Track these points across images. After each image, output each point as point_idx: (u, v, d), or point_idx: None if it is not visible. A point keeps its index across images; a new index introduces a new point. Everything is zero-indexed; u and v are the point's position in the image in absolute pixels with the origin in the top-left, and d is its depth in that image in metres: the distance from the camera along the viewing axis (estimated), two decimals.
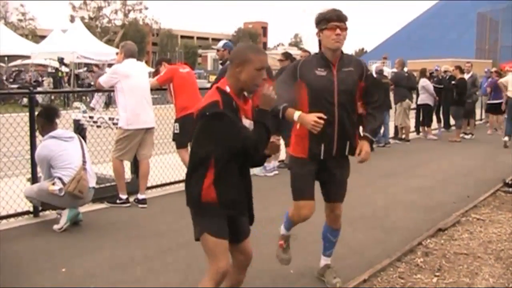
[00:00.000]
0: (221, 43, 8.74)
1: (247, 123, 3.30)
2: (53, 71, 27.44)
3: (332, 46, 4.04)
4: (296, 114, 4.00)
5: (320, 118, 3.89)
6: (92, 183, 6.11)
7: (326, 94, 4.04)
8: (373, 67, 15.06)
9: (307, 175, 4.21)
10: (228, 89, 3.24)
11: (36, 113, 6.19)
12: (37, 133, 6.20)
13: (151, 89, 7.30)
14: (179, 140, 7.61)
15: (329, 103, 4.04)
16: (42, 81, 26.81)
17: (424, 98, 14.41)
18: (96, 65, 24.66)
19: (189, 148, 7.61)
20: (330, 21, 4.02)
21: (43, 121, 6.10)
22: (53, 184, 5.81)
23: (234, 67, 3.27)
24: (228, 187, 3.24)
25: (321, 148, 4.11)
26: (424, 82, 14.43)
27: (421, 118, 14.99)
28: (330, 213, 4.41)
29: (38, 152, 5.97)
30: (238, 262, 3.56)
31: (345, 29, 4.06)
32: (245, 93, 3.37)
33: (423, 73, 14.70)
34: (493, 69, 18.52)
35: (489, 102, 16.29)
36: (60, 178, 5.80)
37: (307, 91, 4.06)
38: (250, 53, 3.25)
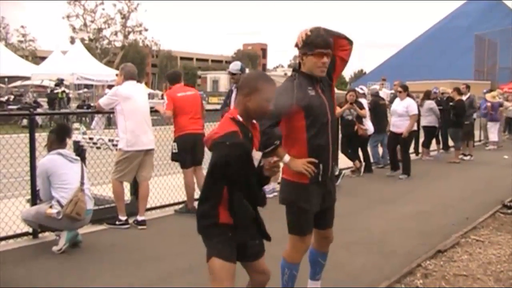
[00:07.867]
0: (236, 66, 8.47)
1: (256, 154, 3.28)
2: (49, 91, 27.42)
3: (318, 74, 3.88)
4: (286, 158, 3.83)
5: (310, 162, 3.80)
6: (90, 205, 6.11)
7: (321, 116, 3.89)
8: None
9: (311, 213, 4.00)
10: (240, 118, 3.21)
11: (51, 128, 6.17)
12: (37, 154, 6.21)
13: (169, 118, 7.52)
14: (180, 160, 7.64)
15: (323, 123, 3.91)
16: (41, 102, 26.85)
17: (432, 120, 14.25)
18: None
19: (192, 169, 7.64)
20: (318, 48, 3.81)
21: (54, 137, 6.10)
22: (51, 207, 5.82)
23: (243, 96, 3.24)
24: (242, 212, 3.22)
25: (320, 168, 3.90)
26: (431, 104, 14.26)
27: (422, 140, 14.96)
28: (322, 239, 4.25)
29: (43, 162, 5.96)
30: (253, 281, 3.55)
31: (330, 55, 3.89)
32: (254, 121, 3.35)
33: (427, 95, 14.63)
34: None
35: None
36: (58, 201, 5.81)
37: (304, 115, 3.84)
38: (260, 83, 3.24)
